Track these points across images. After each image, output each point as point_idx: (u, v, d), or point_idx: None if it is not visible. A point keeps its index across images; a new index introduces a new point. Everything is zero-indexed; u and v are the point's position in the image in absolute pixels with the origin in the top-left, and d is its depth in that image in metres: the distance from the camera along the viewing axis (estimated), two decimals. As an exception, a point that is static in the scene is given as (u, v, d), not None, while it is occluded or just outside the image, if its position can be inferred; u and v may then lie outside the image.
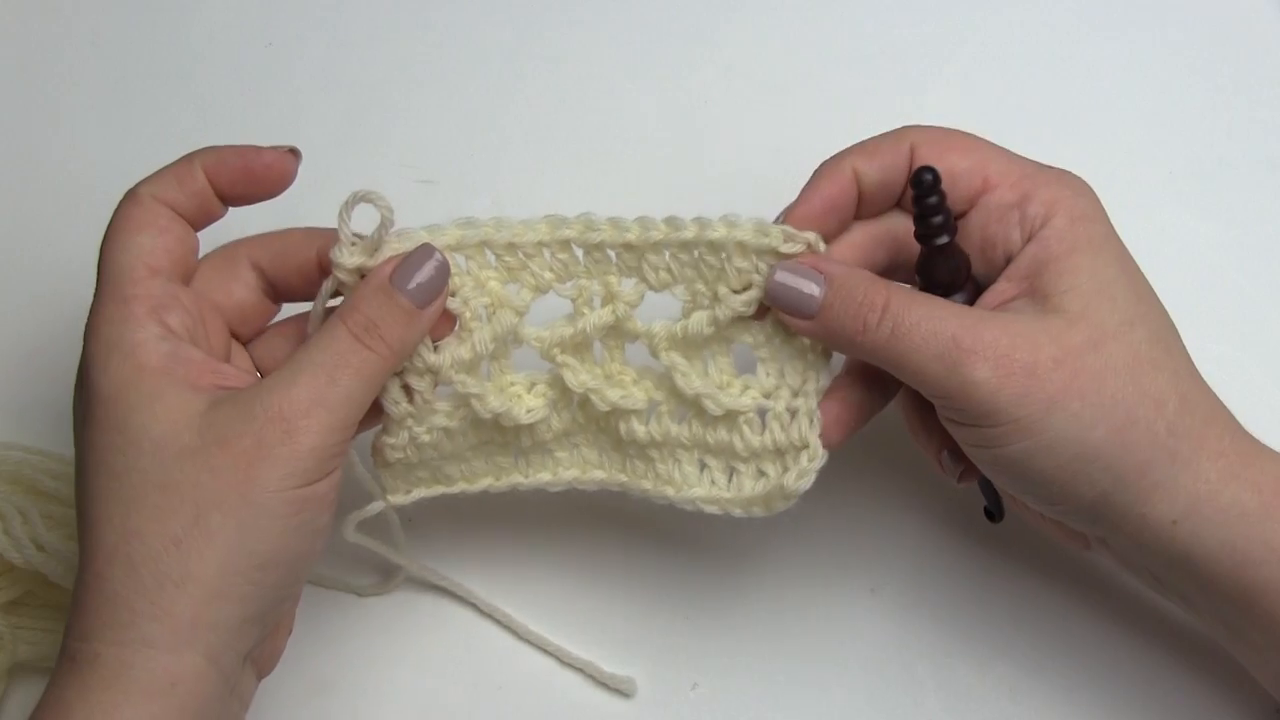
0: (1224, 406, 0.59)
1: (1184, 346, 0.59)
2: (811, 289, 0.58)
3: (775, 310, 0.60)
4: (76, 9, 0.85)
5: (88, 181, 0.81)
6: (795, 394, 0.61)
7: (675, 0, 0.84)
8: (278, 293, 0.62)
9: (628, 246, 0.60)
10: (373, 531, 0.66)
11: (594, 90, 0.82)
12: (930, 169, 0.58)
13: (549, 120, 0.81)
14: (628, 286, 0.61)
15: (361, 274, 0.58)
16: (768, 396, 0.61)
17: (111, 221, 0.59)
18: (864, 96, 0.80)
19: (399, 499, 0.64)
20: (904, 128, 0.61)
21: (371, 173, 0.79)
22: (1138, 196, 0.76)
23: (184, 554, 0.54)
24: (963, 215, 0.61)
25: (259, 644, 0.58)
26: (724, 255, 0.59)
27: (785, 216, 0.60)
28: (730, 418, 0.61)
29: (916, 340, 0.56)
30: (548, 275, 0.61)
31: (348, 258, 0.58)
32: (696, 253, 0.60)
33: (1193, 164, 0.79)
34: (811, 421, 0.61)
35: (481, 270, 0.60)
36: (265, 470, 0.54)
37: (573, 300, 0.61)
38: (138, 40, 0.84)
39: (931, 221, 0.59)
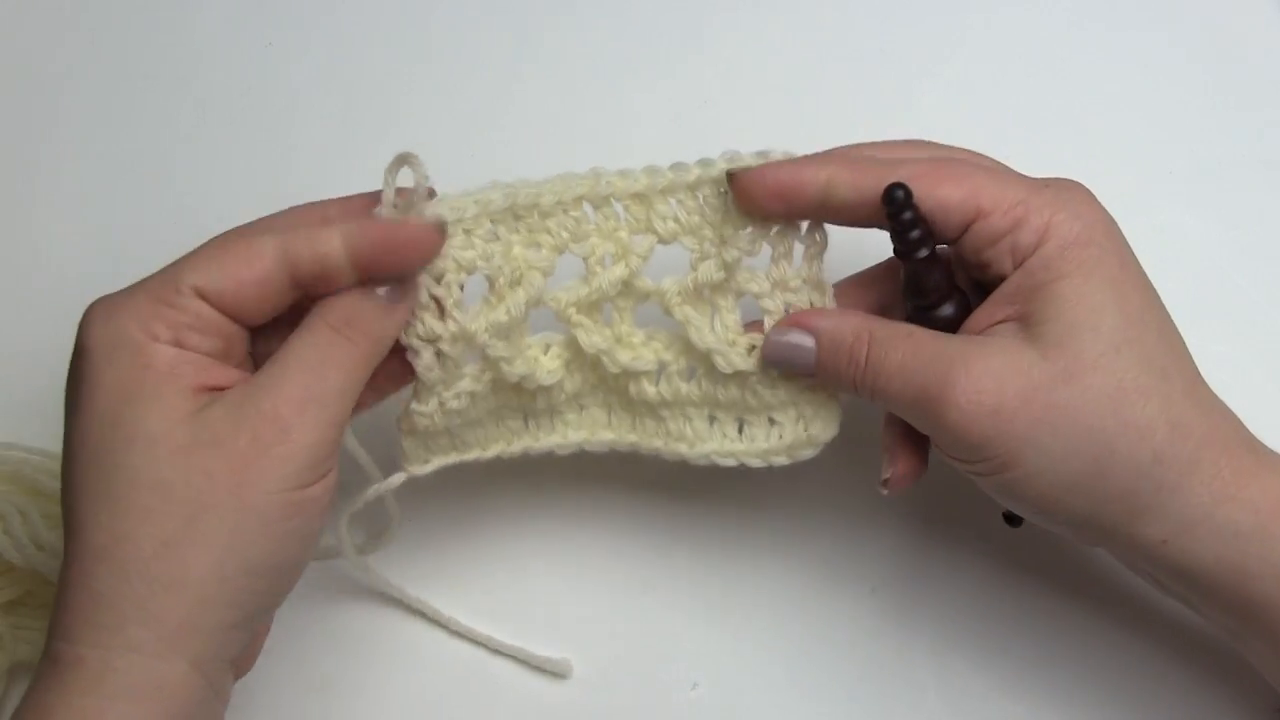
0: (1227, 420, 0.58)
1: (1187, 363, 0.58)
2: (804, 354, 0.61)
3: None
4: (76, 9, 0.85)
5: (88, 182, 0.81)
6: None
7: (675, 0, 0.84)
8: (297, 284, 0.58)
9: (637, 197, 0.62)
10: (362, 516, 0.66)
11: (594, 90, 0.82)
12: (901, 185, 0.58)
13: (549, 121, 0.81)
14: (638, 241, 0.62)
15: None
16: None
17: (214, 240, 0.57)
18: (863, 96, 0.80)
19: (418, 469, 0.64)
20: (896, 162, 0.60)
21: (372, 173, 0.79)
22: (1138, 196, 0.76)
23: (174, 557, 0.53)
24: (956, 240, 0.60)
25: (244, 648, 0.57)
26: (724, 192, 0.61)
27: (740, 173, 0.60)
28: (741, 375, 0.62)
29: (893, 392, 0.58)
30: (565, 235, 0.62)
31: (389, 214, 0.59)
32: (701, 197, 0.61)
33: (1193, 164, 0.78)
34: None
35: (509, 234, 0.61)
36: (261, 472, 0.53)
37: (585, 259, 0.62)
38: (138, 40, 0.84)
39: (909, 237, 0.59)
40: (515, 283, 0.61)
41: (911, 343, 0.58)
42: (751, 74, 0.82)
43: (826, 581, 0.71)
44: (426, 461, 0.64)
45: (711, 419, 0.64)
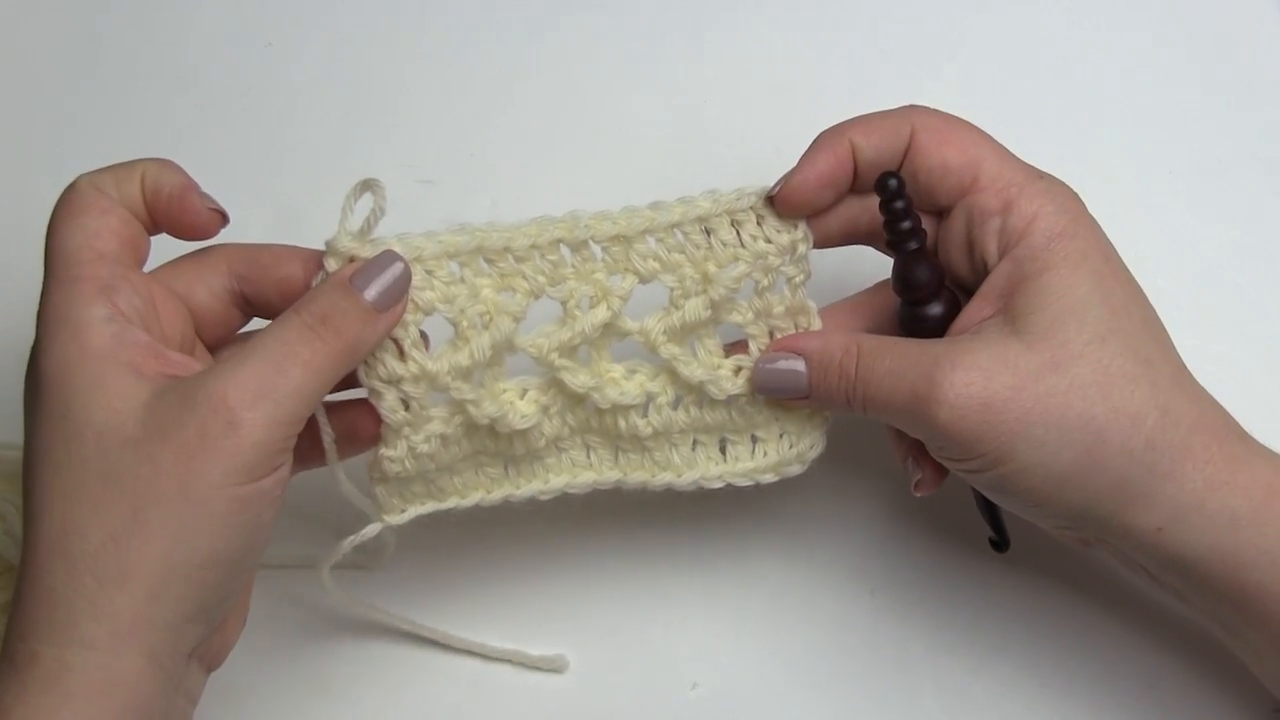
0: (1216, 409, 0.59)
1: (1172, 354, 0.59)
2: (797, 377, 0.61)
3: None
4: (76, 9, 0.85)
5: (88, 181, 0.81)
6: None
7: (675, 1, 0.84)
8: (252, 305, 0.60)
9: (616, 239, 0.60)
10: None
11: (594, 90, 0.82)
12: (894, 174, 0.59)
13: (549, 120, 0.81)
14: (616, 282, 0.61)
15: (351, 260, 0.57)
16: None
17: (54, 210, 0.57)
18: (864, 96, 0.79)
19: (395, 518, 0.62)
20: (909, 108, 0.62)
21: (371, 173, 0.79)
22: (1138, 196, 0.77)
23: (122, 551, 0.52)
24: (948, 211, 0.61)
25: (205, 640, 0.56)
26: (709, 232, 0.61)
27: (781, 186, 0.61)
28: (730, 397, 0.62)
29: (883, 399, 0.58)
30: (540, 279, 0.60)
31: (345, 242, 0.58)
32: (681, 235, 0.61)
33: (1193, 164, 0.78)
34: None
35: (476, 277, 0.60)
36: (207, 464, 0.52)
37: (563, 303, 0.61)
38: (138, 40, 0.84)
39: (900, 227, 0.59)
40: (484, 326, 0.60)
41: (899, 349, 0.59)
42: (751, 75, 0.82)
43: (826, 583, 0.71)
44: (403, 511, 0.62)
45: (695, 443, 0.64)
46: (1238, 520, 0.56)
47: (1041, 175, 0.60)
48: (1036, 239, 0.58)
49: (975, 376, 0.56)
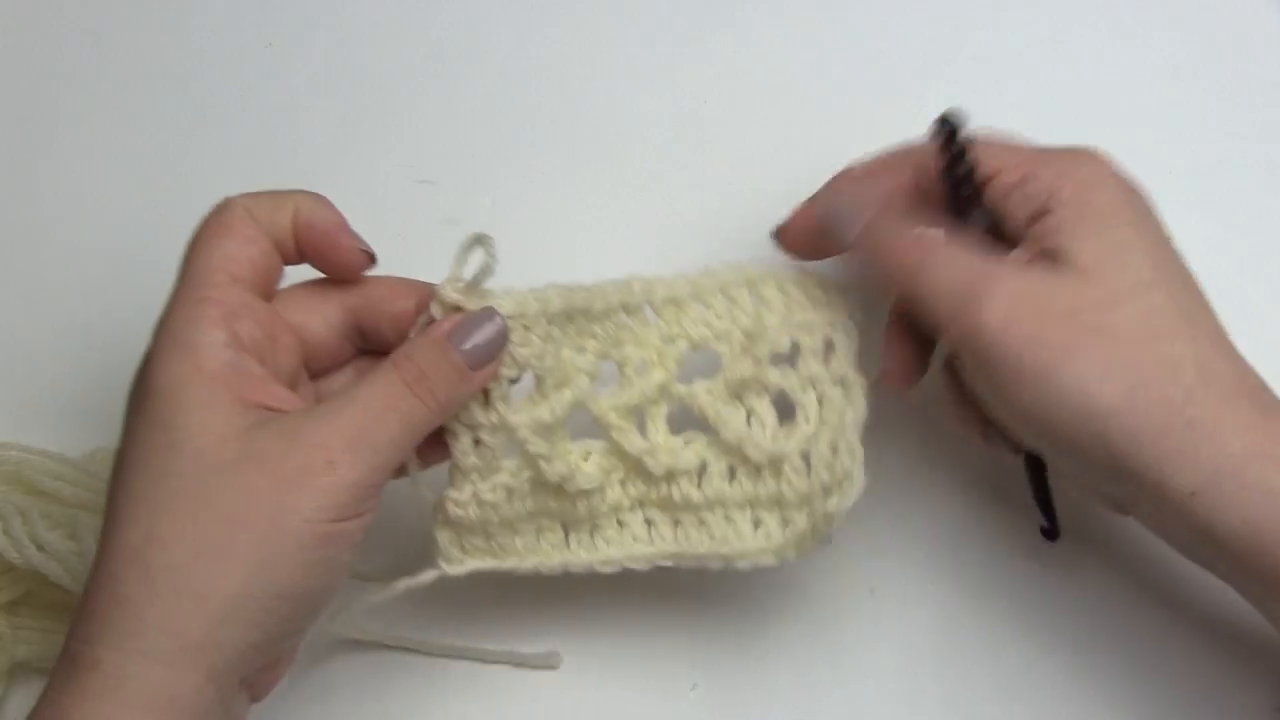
0: (1255, 379, 0.58)
1: (1211, 313, 0.59)
2: (854, 213, 0.61)
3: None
4: (76, 9, 0.85)
5: (88, 183, 0.81)
6: (835, 431, 0.62)
7: (675, 1, 0.84)
8: (366, 338, 0.62)
9: (669, 301, 0.62)
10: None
11: (594, 90, 0.82)
12: (949, 118, 0.60)
13: (549, 120, 0.81)
14: (669, 345, 0.62)
15: (456, 309, 0.59)
16: (808, 440, 0.62)
17: (201, 224, 0.58)
18: (865, 96, 0.80)
19: (454, 569, 0.63)
20: (909, 147, 0.63)
21: (371, 173, 0.79)
22: (1138, 196, 0.76)
23: (205, 570, 0.53)
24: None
25: (259, 669, 0.57)
26: (756, 297, 0.62)
27: (779, 229, 0.63)
28: (775, 465, 0.62)
29: (939, 273, 0.58)
30: (609, 340, 0.62)
31: (451, 294, 0.59)
32: (729, 299, 0.62)
33: (1193, 164, 0.78)
34: (853, 455, 0.62)
35: (560, 335, 0.62)
36: (302, 498, 0.54)
37: (620, 365, 0.62)
38: (138, 40, 0.84)
39: (957, 172, 0.60)
40: (561, 384, 0.61)
41: (963, 246, 0.59)
42: (751, 74, 0.82)
43: (826, 582, 0.71)
44: (462, 562, 0.63)
45: (756, 523, 0.63)
46: (1274, 494, 0.54)
47: (1064, 150, 0.61)
48: (1068, 190, 0.59)
49: (1039, 288, 0.56)
